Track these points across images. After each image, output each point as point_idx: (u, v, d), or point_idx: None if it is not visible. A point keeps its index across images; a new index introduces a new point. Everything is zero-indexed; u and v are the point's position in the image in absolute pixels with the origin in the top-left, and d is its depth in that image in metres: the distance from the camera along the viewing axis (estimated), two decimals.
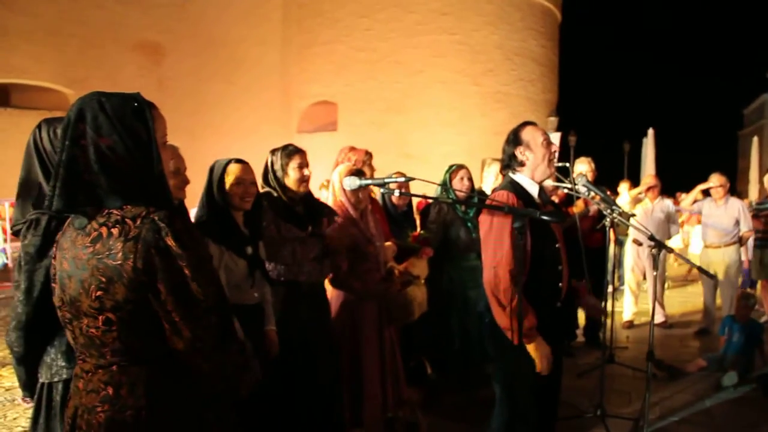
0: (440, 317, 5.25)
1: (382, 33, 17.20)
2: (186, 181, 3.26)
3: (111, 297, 1.81)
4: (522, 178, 3.30)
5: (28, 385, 2.52)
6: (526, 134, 3.30)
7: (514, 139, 3.32)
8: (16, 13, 14.78)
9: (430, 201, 5.50)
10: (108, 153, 1.85)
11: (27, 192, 2.55)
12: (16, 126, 13.93)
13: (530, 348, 3.06)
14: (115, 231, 1.82)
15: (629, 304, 8.69)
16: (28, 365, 2.48)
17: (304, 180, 3.79)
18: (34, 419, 2.49)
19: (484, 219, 3.19)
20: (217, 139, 15.62)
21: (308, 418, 3.63)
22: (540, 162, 3.27)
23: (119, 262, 1.79)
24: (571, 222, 5.25)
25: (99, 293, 1.82)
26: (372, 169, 4.99)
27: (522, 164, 3.29)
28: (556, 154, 3.36)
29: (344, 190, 4.01)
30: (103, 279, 1.80)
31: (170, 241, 1.80)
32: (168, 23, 16.55)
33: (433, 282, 5.01)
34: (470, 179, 5.40)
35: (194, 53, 16.71)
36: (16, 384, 6.01)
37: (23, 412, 5.31)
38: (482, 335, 5.26)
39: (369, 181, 3.03)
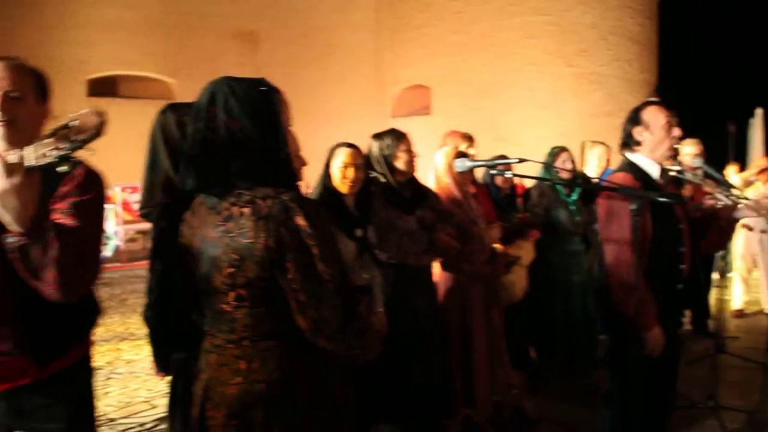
0: (543, 301, 5.20)
1: (473, 16, 16.99)
2: (304, 163, 3.33)
3: (243, 274, 1.87)
4: (640, 158, 3.19)
5: (162, 361, 2.65)
6: (647, 114, 3.18)
7: (634, 117, 3.21)
8: (125, 9, 15.53)
9: (529, 184, 5.44)
10: (238, 135, 1.91)
11: (154, 176, 2.65)
12: (124, 115, 14.60)
13: (647, 336, 2.98)
14: (246, 210, 1.87)
15: (739, 292, 8.31)
16: (162, 342, 2.60)
17: (413, 163, 3.83)
18: (173, 392, 2.62)
19: (602, 202, 3.11)
20: (311, 124, 15.89)
21: (418, 398, 3.67)
22: (658, 144, 3.14)
23: (251, 240, 1.84)
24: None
25: (231, 270, 1.88)
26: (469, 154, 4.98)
27: (638, 144, 3.18)
28: (678, 138, 3.21)
29: (449, 171, 4.03)
30: (236, 256, 1.86)
31: (300, 221, 1.84)
32: (263, 12, 16.94)
33: (536, 266, 4.95)
34: (572, 162, 5.31)
35: (289, 41, 17.04)
36: (136, 357, 6.39)
37: (142, 383, 5.63)
38: (587, 319, 5.20)
39: (479, 163, 3.02)
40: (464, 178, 4.08)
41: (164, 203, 2.52)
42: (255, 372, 1.93)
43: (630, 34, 18.42)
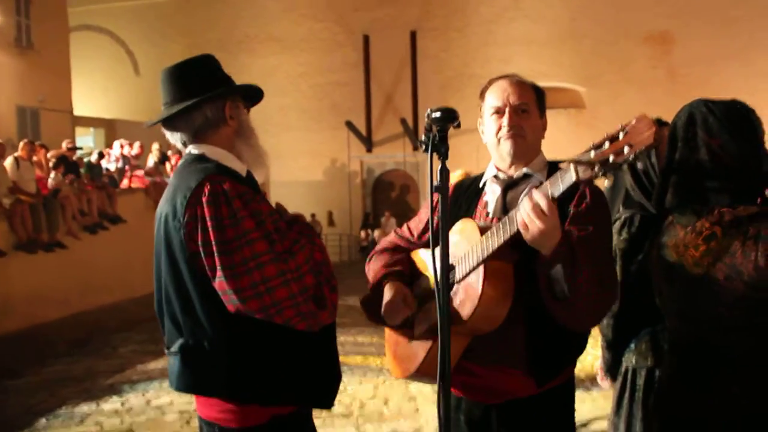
0: None
1: None
2: None
3: (729, 293, 1.91)
4: None
5: (612, 369, 2.71)
6: None
7: None
8: (537, 25, 16.54)
9: None
10: (719, 152, 1.97)
11: (615, 193, 2.78)
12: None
13: None
14: (732, 231, 1.90)
15: None
16: (615, 351, 2.67)
17: None
18: (618, 401, 2.72)
19: None
20: None
21: None
22: None
23: (739, 260, 1.87)
24: None
25: (715, 289, 1.93)
26: None
27: None
28: None
29: None
30: (720, 277, 1.91)
31: None
32: (678, 8, 16.23)
33: None
34: None
35: (707, 36, 16.01)
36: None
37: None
38: None
39: None
40: None
41: (626, 217, 2.58)
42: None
43: None
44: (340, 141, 19.85)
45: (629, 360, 2.62)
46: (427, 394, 5.92)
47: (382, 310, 2.22)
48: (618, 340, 2.64)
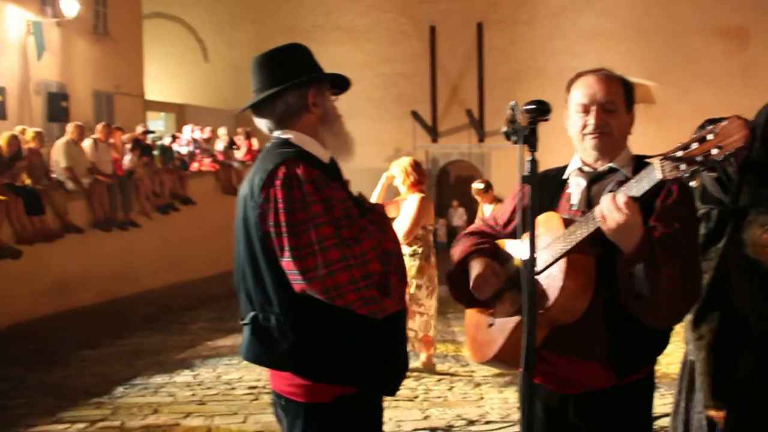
0: None
1: None
2: None
3: None
4: None
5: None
6: None
7: None
8: (606, 18, 16.27)
9: None
10: None
11: (695, 188, 2.79)
12: None
13: None
14: None
15: None
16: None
17: None
18: (680, 390, 2.70)
19: None
20: None
21: None
22: None
23: None
24: None
25: None
26: None
27: None
28: None
29: None
30: None
31: None
32: (756, 4, 15.75)
33: None
34: None
35: None
36: None
37: None
38: None
39: None
40: None
41: (704, 212, 2.53)
42: None
43: None
44: (406, 130, 19.88)
45: (691, 354, 2.63)
46: (491, 380, 5.98)
47: (471, 283, 2.21)
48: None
